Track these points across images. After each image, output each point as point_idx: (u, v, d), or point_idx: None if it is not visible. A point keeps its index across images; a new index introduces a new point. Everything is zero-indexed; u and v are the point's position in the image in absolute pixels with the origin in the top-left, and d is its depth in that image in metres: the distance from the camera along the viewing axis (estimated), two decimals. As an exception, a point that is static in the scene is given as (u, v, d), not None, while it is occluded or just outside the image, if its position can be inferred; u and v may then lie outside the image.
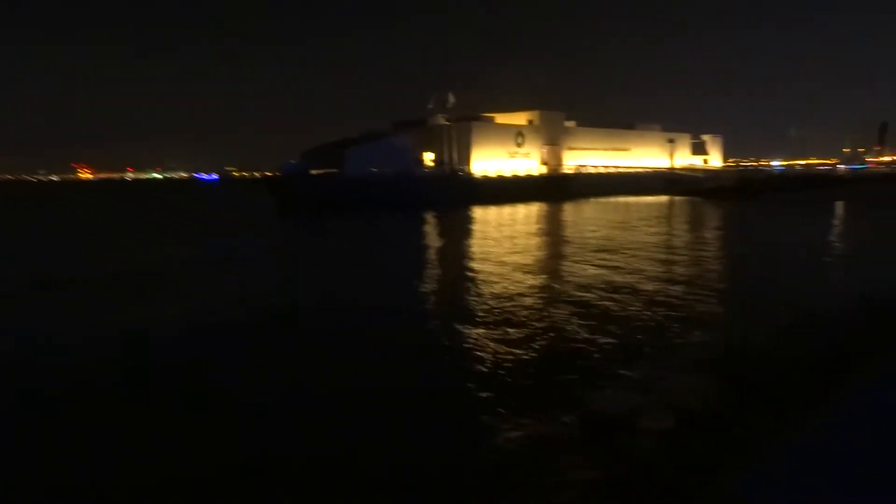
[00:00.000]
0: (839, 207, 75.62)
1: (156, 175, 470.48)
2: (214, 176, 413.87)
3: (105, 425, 11.98)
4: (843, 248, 39.71)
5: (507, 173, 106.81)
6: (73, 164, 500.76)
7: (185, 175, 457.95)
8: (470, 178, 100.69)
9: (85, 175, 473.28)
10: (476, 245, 43.10)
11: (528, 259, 34.02)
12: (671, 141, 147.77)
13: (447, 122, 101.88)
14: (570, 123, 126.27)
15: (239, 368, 15.54)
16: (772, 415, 10.81)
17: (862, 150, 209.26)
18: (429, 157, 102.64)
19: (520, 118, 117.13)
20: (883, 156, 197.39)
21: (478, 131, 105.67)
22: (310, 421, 12.04)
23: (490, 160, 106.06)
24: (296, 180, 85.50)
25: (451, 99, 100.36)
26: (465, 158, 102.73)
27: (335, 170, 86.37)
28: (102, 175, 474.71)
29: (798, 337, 17.38)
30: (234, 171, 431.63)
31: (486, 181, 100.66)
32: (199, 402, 13.18)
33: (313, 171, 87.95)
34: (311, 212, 71.96)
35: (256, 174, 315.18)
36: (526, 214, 72.03)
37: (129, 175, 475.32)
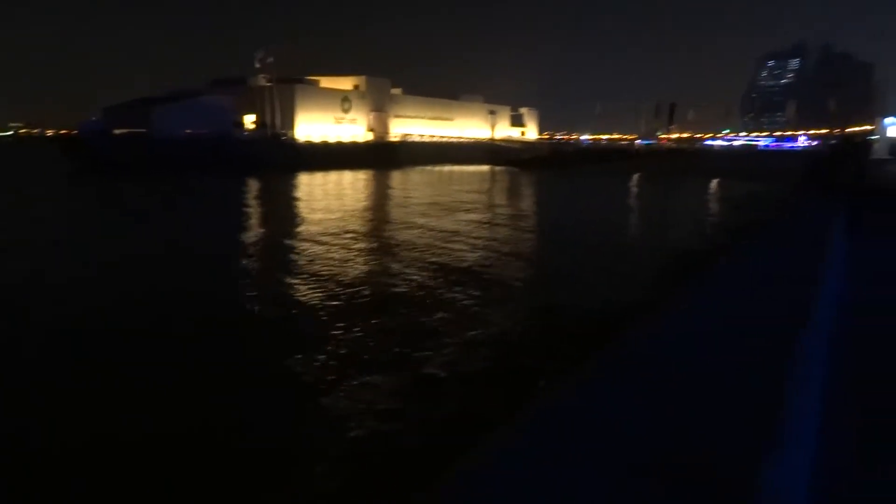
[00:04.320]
0: (634, 177, 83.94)
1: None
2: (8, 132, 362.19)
3: None
4: (633, 212, 44.26)
5: (333, 139, 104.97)
6: None
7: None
8: (294, 142, 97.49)
9: None
10: (306, 212, 41.91)
11: (357, 225, 33.75)
12: (492, 113, 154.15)
13: (269, 84, 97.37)
14: (397, 91, 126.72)
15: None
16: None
17: (656, 126, 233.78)
18: (249, 120, 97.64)
19: (345, 83, 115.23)
20: (672, 133, 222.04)
21: (302, 94, 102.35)
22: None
23: (315, 125, 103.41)
24: (96, 141, 77.06)
25: (271, 58, 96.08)
26: (289, 122, 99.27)
27: (143, 130, 79.14)
28: None
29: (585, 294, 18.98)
30: (22, 128, 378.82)
31: (311, 147, 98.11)
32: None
33: (117, 131, 79.85)
34: (114, 177, 65.28)
35: (49, 132, 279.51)
36: (353, 181, 71.40)
37: None
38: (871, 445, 4.17)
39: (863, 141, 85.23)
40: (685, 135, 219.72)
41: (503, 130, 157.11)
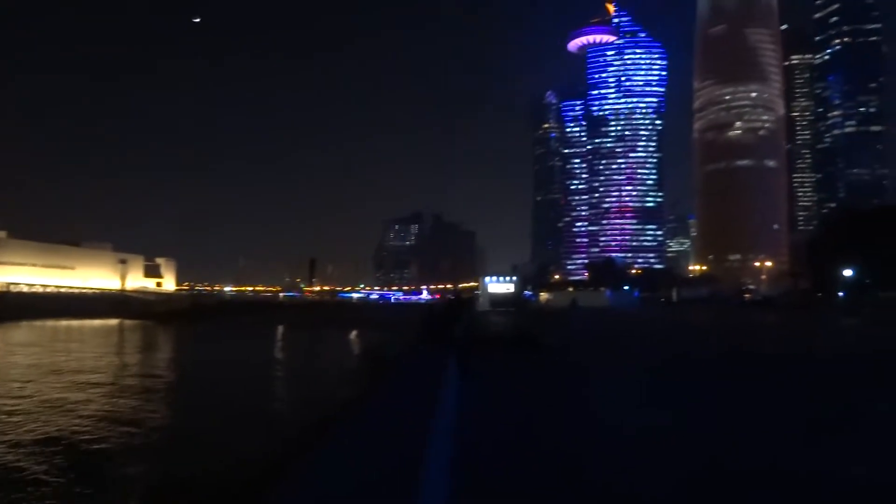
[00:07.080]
0: (278, 329, 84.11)
1: None
2: None
3: None
4: (273, 368, 43.88)
5: None
6: None
7: None
8: None
9: None
10: None
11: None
12: (123, 262, 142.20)
13: None
14: (1, 234, 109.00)
15: None
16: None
17: (298, 279, 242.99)
18: None
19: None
20: (314, 286, 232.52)
21: None
22: None
23: None
24: None
25: None
26: None
27: None
28: None
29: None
30: None
31: None
32: None
33: None
34: None
35: None
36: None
37: None
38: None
39: (469, 296, 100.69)
40: (326, 287, 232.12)
41: (136, 281, 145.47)
